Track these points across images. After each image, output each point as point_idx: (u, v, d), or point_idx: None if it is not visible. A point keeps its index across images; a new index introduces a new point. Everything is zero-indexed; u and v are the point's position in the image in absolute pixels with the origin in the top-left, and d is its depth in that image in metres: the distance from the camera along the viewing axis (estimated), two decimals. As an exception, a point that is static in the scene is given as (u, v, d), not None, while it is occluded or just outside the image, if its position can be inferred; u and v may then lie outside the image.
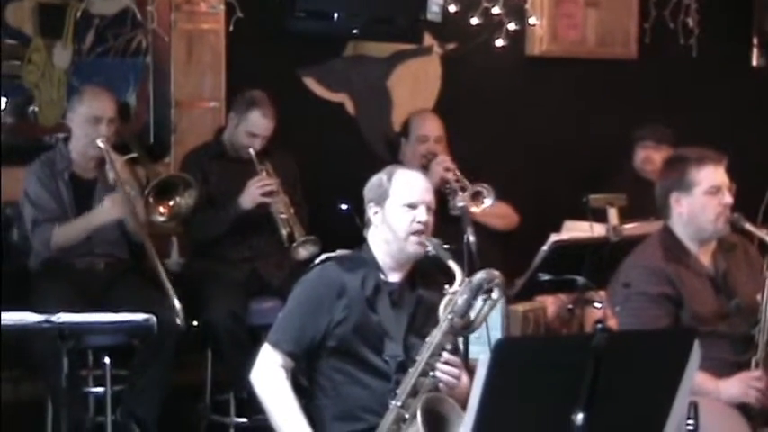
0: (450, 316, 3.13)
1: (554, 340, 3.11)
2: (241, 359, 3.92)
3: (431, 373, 3.12)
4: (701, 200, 3.62)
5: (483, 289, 3.13)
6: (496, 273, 3.17)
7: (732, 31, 6.31)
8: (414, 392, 3.12)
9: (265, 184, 4.57)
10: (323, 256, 3.38)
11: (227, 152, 4.77)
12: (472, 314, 3.15)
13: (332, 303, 3.22)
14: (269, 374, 3.22)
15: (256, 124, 4.65)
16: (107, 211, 4.28)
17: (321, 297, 3.23)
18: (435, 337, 3.14)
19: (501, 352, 2.49)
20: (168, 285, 4.12)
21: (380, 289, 3.28)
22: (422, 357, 3.13)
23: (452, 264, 3.24)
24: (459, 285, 3.17)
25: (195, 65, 5.07)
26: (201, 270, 4.64)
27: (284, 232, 4.61)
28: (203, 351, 4.58)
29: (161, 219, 4.32)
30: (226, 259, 4.66)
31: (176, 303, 4.07)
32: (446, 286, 3.22)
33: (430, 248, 3.29)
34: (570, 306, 4.43)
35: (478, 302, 3.14)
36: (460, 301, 3.13)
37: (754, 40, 6.39)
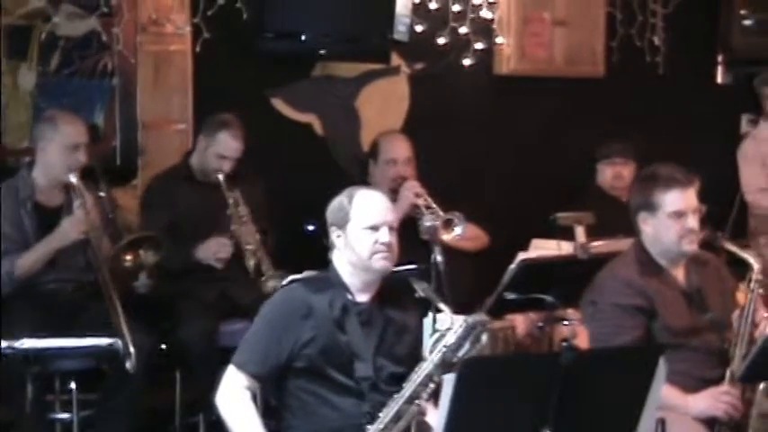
0: (443, 350, 3.13)
1: (520, 359, 3.13)
2: (211, 380, 3.88)
3: (416, 402, 3.12)
4: (665, 222, 3.64)
5: (475, 331, 3.15)
6: (487, 318, 3.22)
7: (697, 49, 6.35)
8: (396, 418, 3.12)
9: (226, 248, 4.54)
10: (290, 278, 3.37)
11: (194, 176, 4.76)
12: (460, 352, 3.17)
13: (298, 324, 3.21)
14: (233, 396, 3.20)
15: (226, 146, 4.64)
16: (66, 232, 4.24)
17: (287, 318, 3.22)
18: (426, 367, 3.14)
19: (467, 371, 2.51)
20: (123, 323, 4.03)
21: (349, 310, 3.27)
22: (409, 385, 3.13)
23: (443, 306, 3.24)
24: (452, 323, 3.17)
25: (162, 86, 5.05)
26: (171, 291, 4.61)
27: (251, 264, 4.59)
28: (173, 372, 4.55)
29: (126, 264, 4.29)
30: (196, 280, 4.64)
31: (129, 342, 3.97)
32: (431, 320, 3.22)
33: (419, 292, 3.30)
34: (540, 324, 4.45)
35: (467, 343, 3.15)
36: (454, 338, 3.13)
37: (719, 58, 6.43)
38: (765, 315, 3.64)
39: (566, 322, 4.33)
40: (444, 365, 3.08)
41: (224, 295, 4.66)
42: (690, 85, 6.30)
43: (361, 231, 3.27)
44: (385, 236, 3.27)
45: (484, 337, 3.15)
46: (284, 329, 3.21)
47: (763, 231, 5.72)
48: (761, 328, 3.54)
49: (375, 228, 3.27)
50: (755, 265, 3.61)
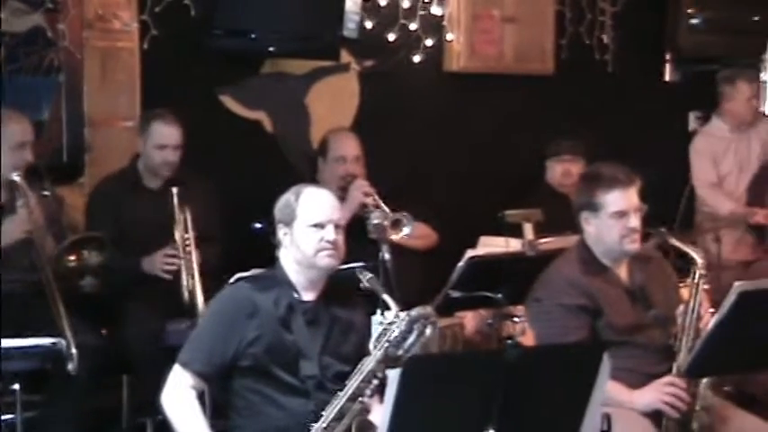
0: (386, 345, 3.13)
1: (465, 356, 3.14)
2: (158, 381, 3.86)
3: (359, 399, 3.12)
4: (607, 222, 3.67)
5: (419, 324, 3.15)
6: (431, 311, 3.21)
7: (646, 47, 6.41)
8: (339, 416, 3.11)
9: (172, 260, 4.51)
10: (236, 276, 3.36)
11: (142, 181, 4.73)
12: (404, 347, 3.16)
13: (243, 323, 3.19)
14: (178, 396, 3.19)
15: (161, 134, 4.63)
16: (8, 232, 4.17)
17: (232, 317, 3.21)
18: (369, 364, 3.13)
19: (411, 368, 2.50)
20: (65, 325, 3.97)
21: (294, 308, 3.26)
22: (352, 383, 3.13)
23: (387, 298, 3.24)
24: (395, 317, 3.17)
25: (109, 83, 5.00)
26: (117, 291, 4.56)
27: (186, 298, 4.52)
28: (120, 373, 4.50)
29: (70, 264, 4.24)
30: (143, 280, 4.59)
31: (71, 343, 3.91)
32: (375, 316, 3.22)
33: (364, 282, 3.29)
34: (490, 321, 4.46)
35: (412, 337, 3.15)
36: (397, 332, 3.14)
37: (667, 56, 6.49)
38: (710, 310, 3.66)
39: (515, 319, 4.34)
40: (388, 361, 3.08)
41: (171, 293, 4.61)
42: (638, 82, 6.36)
43: (307, 229, 3.27)
44: (330, 234, 3.27)
45: (428, 331, 3.14)
46: (229, 328, 3.19)
47: (710, 227, 5.78)
48: (705, 322, 3.56)
49: (321, 225, 3.27)
50: (699, 260, 3.63)
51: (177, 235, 4.55)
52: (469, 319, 4.81)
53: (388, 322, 3.17)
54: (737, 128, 5.84)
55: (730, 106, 5.82)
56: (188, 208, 4.56)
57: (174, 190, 4.56)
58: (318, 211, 3.29)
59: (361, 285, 3.31)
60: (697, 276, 3.62)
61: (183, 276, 4.51)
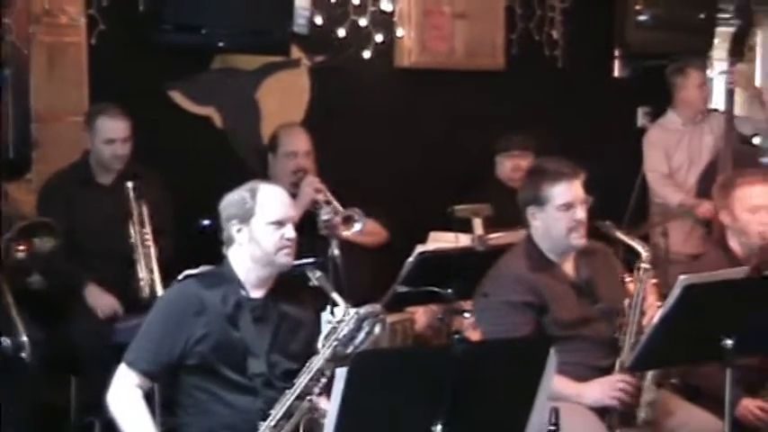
0: (335, 343, 3.14)
1: (412, 352, 3.13)
2: (105, 379, 3.83)
3: (307, 398, 3.12)
4: (554, 215, 3.68)
5: (367, 322, 3.15)
6: (380, 308, 3.22)
7: (595, 43, 6.46)
8: (288, 415, 3.11)
9: (113, 308, 4.47)
10: (183, 273, 3.33)
11: (93, 177, 4.69)
12: (352, 345, 3.17)
13: (190, 321, 3.17)
14: (124, 395, 3.17)
15: (108, 128, 4.60)
16: None
17: (179, 315, 3.19)
18: (317, 362, 3.13)
19: (358, 365, 2.50)
20: (14, 315, 3.95)
21: (242, 306, 3.24)
22: (300, 381, 3.12)
23: (336, 296, 3.24)
24: (344, 315, 3.17)
25: (57, 78, 4.94)
26: (65, 289, 4.52)
27: (147, 291, 4.49)
28: (68, 372, 4.46)
29: (19, 256, 4.19)
30: (92, 278, 4.55)
31: (23, 336, 3.90)
32: (325, 313, 3.21)
33: (313, 281, 3.28)
34: (440, 316, 4.47)
35: (361, 335, 3.16)
36: (345, 330, 3.15)
37: (616, 52, 6.55)
38: (657, 303, 3.68)
39: (466, 314, 4.36)
40: (336, 359, 3.08)
41: (120, 291, 4.58)
42: (588, 78, 6.41)
43: (267, 226, 3.25)
44: (290, 231, 3.27)
45: (377, 329, 3.15)
46: (176, 326, 3.17)
47: (659, 221, 5.85)
48: (649, 316, 3.59)
49: (281, 223, 3.27)
50: (643, 252, 3.66)
51: (133, 229, 4.52)
52: (420, 315, 4.82)
53: (337, 320, 3.17)
54: (691, 120, 5.91)
55: (683, 95, 5.89)
56: (143, 202, 4.53)
57: (130, 184, 4.53)
58: (279, 209, 3.28)
59: (311, 283, 3.31)
60: (641, 270, 3.64)
61: (141, 270, 4.47)
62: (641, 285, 3.62)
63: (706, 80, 6.00)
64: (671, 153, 5.88)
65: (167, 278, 4.32)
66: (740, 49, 5.80)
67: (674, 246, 5.76)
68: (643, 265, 3.64)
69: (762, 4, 6.68)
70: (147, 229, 4.53)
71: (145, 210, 4.54)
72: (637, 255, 3.66)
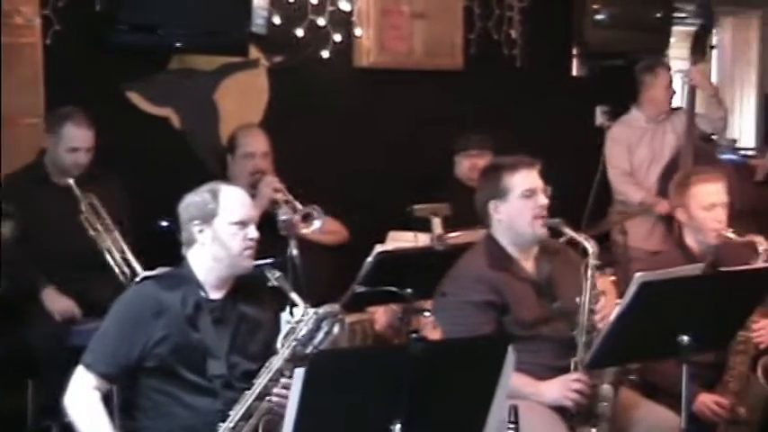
0: (293, 343, 3.13)
1: (370, 352, 3.13)
2: (63, 382, 3.80)
3: (267, 398, 3.11)
4: (517, 204, 3.70)
5: (326, 322, 3.15)
6: (339, 308, 3.22)
7: (553, 42, 6.49)
8: (247, 416, 3.10)
9: (72, 312, 4.44)
10: (141, 275, 3.32)
11: (49, 177, 4.65)
12: (311, 345, 3.17)
13: (149, 323, 3.16)
14: (81, 397, 3.15)
15: (73, 137, 4.56)
16: None
17: (137, 317, 3.17)
18: (276, 362, 3.13)
19: (316, 365, 2.49)
20: None
21: (201, 307, 3.23)
22: (259, 382, 3.11)
23: (295, 296, 3.23)
24: (303, 315, 3.17)
25: (12, 80, 4.87)
26: (21, 291, 4.47)
27: (125, 270, 4.46)
28: (24, 374, 4.41)
29: None
30: (50, 282, 4.51)
31: None
32: (284, 314, 3.21)
33: (272, 281, 3.28)
34: (400, 316, 4.47)
35: (320, 335, 3.16)
36: (304, 330, 3.15)
37: (574, 51, 6.58)
38: (616, 301, 3.69)
39: (426, 314, 4.36)
40: (295, 359, 3.08)
41: (81, 296, 4.54)
42: (546, 77, 6.44)
43: (231, 227, 3.25)
44: (253, 232, 3.28)
45: (336, 329, 3.15)
46: (134, 328, 3.15)
47: (617, 219, 5.89)
48: (603, 314, 3.60)
49: (244, 223, 3.27)
50: (591, 249, 3.63)
51: (87, 223, 4.48)
52: (381, 314, 4.81)
53: (296, 320, 3.17)
54: (654, 118, 5.96)
55: (651, 94, 5.93)
56: (93, 194, 4.49)
57: (71, 181, 4.49)
58: (242, 210, 3.29)
59: (270, 283, 3.30)
60: (589, 267, 3.63)
61: (114, 254, 4.44)
62: (590, 283, 3.62)
63: (673, 81, 6.05)
64: (633, 150, 5.93)
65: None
66: (702, 49, 5.86)
67: (636, 243, 5.80)
68: (591, 263, 3.63)
69: (719, 5, 6.74)
70: (105, 216, 4.50)
71: (95, 200, 4.51)
72: (585, 252, 3.66)
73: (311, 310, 3.15)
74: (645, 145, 5.93)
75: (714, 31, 5.90)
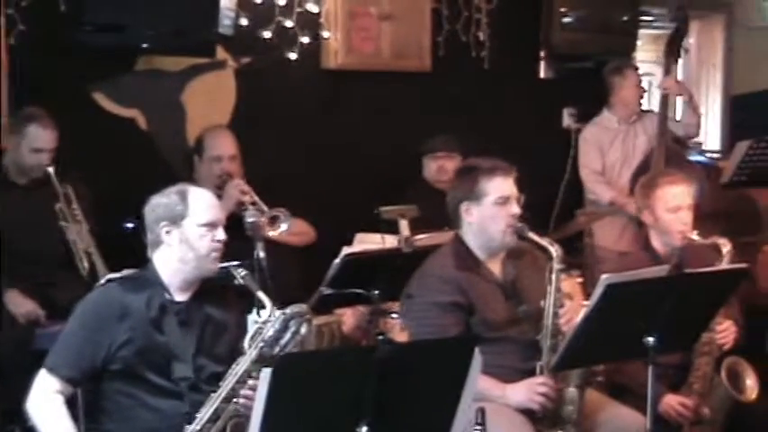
0: (261, 344, 3.12)
1: (336, 354, 3.12)
2: (26, 386, 3.76)
3: (234, 400, 3.09)
4: (491, 210, 3.70)
5: (293, 322, 3.13)
6: (306, 308, 3.21)
7: (521, 44, 6.51)
8: (214, 418, 3.09)
9: (35, 314, 4.39)
10: (106, 278, 3.29)
11: (9, 177, 4.60)
12: (278, 346, 3.15)
13: (113, 326, 3.14)
14: (44, 401, 3.12)
15: (38, 138, 4.53)
16: None
17: (101, 319, 3.15)
18: (243, 364, 3.11)
19: (282, 367, 2.48)
20: None
21: (167, 309, 3.22)
22: (226, 383, 3.10)
23: (261, 295, 3.22)
24: (270, 316, 3.15)
25: (-24, 80, 4.84)
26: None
27: (85, 265, 4.44)
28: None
29: None
30: (13, 286, 4.47)
31: None
32: (251, 315, 3.19)
33: (238, 279, 3.26)
34: (368, 318, 4.46)
35: (287, 336, 3.14)
36: (271, 331, 3.13)
37: (542, 53, 6.60)
38: (583, 303, 3.71)
39: (394, 315, 4.36)
40: (262, 360, 3.06)
41: (45, 299, 4.50)
42: (514, 79, 6.45)
43: (199, 228, 3.25)
44: (221, 234, 3.28)
45: (303, 330, 3.14)
46: (98, 331, 3.13)
47: (584, 220, 5.91)
48: (568, 316, 3.61)
49: (213, 225, 3.27)
50: (554, 253, 3.65)
51: (60, 205, 4.45)
52: (349, 316, 4.80)
53: (263, 321, 3.15)
54: (626, 120, 5.99)
55: (622, 95, 5.97)
56: (68, 184, 4.46)
57: (51, 169, 4.45)
58: (210, 211, 3.29)
59: (236, 282, 3.29)
60: (554, 271, 3.64)
61: (79, 243, 4.41)
62: (554, 286, 3.63)
63: (641, 80, 6.08)
64: (605, 151, 5.97)
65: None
66: (676, 51, 5.89)
67: (607, 244, 5.84)
68: (555, 267, 3.65)
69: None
70: (76, 207, 4.46)
71: (70, 191, 4.48)
72: (549, 256, 3.67)
73: (278, 311, 3.14)
74: (617, 146, 5.96)
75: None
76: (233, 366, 3.12)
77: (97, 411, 3.22)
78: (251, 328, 3.20)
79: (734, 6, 7.77)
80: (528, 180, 3.90)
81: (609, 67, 6.09)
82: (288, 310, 3.15)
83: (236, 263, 3.42)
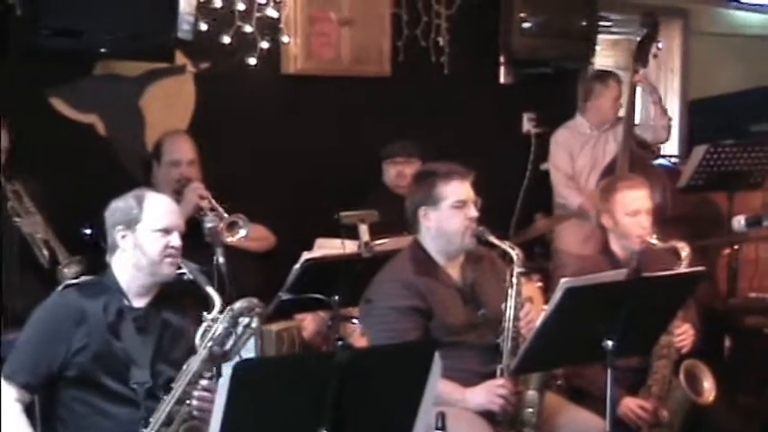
0: (209, 344, 3.10)
1: (294, 360, 3.10)
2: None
3: (187, 402, 3.08)
4: (448, 213, 3.71)
5: (243, 318, 3.11)
6: (257, 302, 3.18)
7: (481, 50, 6.52)
8: (168, 421, 3.07)
9: None
10: (63, 283, 3.26)
11: None
12: (230, 343, 3.12)
13: (70, 331, 3.11)
14: (2, 410, 3.07)
15: None
16: None
17: (58, 325, 3.13)
18: (193, 364, 3.09)
19: (240, 374, 2.47)
20: None
21: (124, 315, 3.20)
22: (178, 385, 3.08)
23: (210, 290, 3.19)
24: (219, 313, 3.14)
25: (-70, 85, 4.78)
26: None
27: (45, 254, 4.39)
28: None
29: None
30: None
31: None
32: (204, 313, 3.18)
33: (186, 273, 3.24)
34: (329, 323, 4.45)
35: (238, 331, 3.12)
36: (220, 328, 3.11)
37: (501, 59, 6.62)
38: (543, 307, 3.72)
39: (354, 321, 4.35)
40: (213, 359, 3.04)
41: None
42: (474, 84, 6.47)
43: (153, 233, 3.24)
44: (177, 239, 3.26)
45: (255, 323, 3.12)
46: (55, 337, 3.11)
47: (544, 224, 5.94)
48: (528, 320, 3.62)
49: (167, 231, 3.25)
50: (515, 256, 3.67)
51: (11, 203, 4.39)
52: (309, 322, 4.79)
53: (211, 318, 3.13)
54: (598, 126, 6.02)
55: (599, 103, 5.99)
56: (16, 181, 4.41)
57: None
58: (166, 217, 3.27)
59: (185, 277, 3.26)
60: (514, 274, 3.66)
61: (38, 233, 4.36)
62: (515, 290, 3.65)
63: (621, 95, 6.10)
64: (575, 156, 6.00)
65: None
66: (645, 56, 5.93)
67: (573, 248, 5.86)
68: (516, 270, 3.66)
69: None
70: (28, 201, 4.41)
71: (18, 186, 4.43)
72: (510, 259, 3.69)
73: (227, 308, 3.12)
74: (587, 151, 5.99)
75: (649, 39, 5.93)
76: (183, 367, 3.09)
77: (54, 419, 3.19)
78: (201, 326, 3.16)
79: (690, 13, 7.86)
80: (488, 185, 3.91)
81: (593, 73, 6.13)
82: (236, 306, 3.12)
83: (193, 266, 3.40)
